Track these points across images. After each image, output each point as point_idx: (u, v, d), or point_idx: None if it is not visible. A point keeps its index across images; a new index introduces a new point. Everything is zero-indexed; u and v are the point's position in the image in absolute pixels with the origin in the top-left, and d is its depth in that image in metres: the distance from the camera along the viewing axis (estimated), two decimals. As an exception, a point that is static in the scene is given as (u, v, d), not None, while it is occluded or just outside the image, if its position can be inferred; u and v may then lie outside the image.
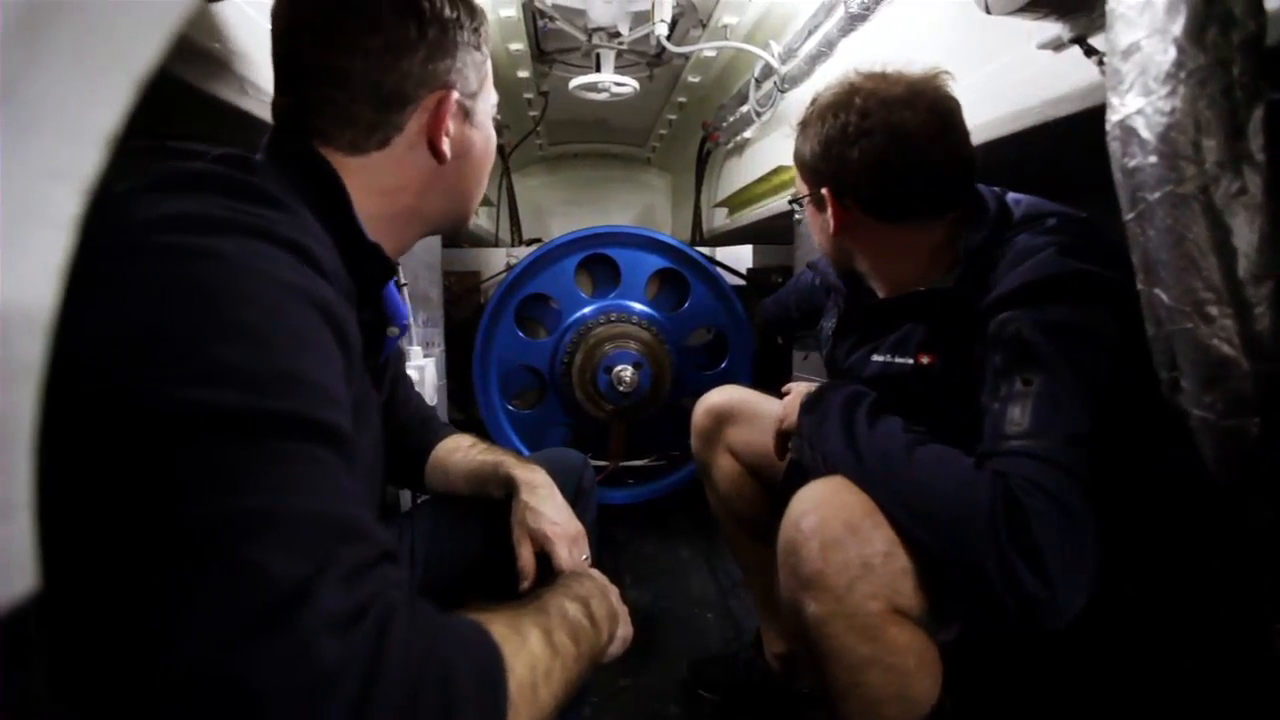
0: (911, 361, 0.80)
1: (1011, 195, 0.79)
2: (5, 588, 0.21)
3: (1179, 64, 0.44)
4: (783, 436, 0.92)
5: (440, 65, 0.57)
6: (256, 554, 0.31)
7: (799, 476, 0.82)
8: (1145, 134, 0.47)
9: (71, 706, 0.26)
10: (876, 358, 0.86)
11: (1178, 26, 0.44)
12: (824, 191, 0.82)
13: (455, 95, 0.58)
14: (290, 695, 0.29)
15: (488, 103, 0.65)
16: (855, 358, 0.91)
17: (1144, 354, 0.57)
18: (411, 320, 1.46)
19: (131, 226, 0.37)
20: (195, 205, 0.40)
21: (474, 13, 0.61)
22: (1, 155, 0.18)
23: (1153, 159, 0.47)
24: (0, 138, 0.17)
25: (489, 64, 0.64)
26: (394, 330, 0.66)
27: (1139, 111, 0.47)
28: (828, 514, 0.67)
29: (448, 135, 0.59)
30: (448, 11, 0.57)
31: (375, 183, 0.57)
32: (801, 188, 0.89)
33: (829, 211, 0.83)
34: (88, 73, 0.19)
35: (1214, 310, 0.47)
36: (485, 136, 0.65)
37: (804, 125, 0.84)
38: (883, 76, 0.78)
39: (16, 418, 0.21)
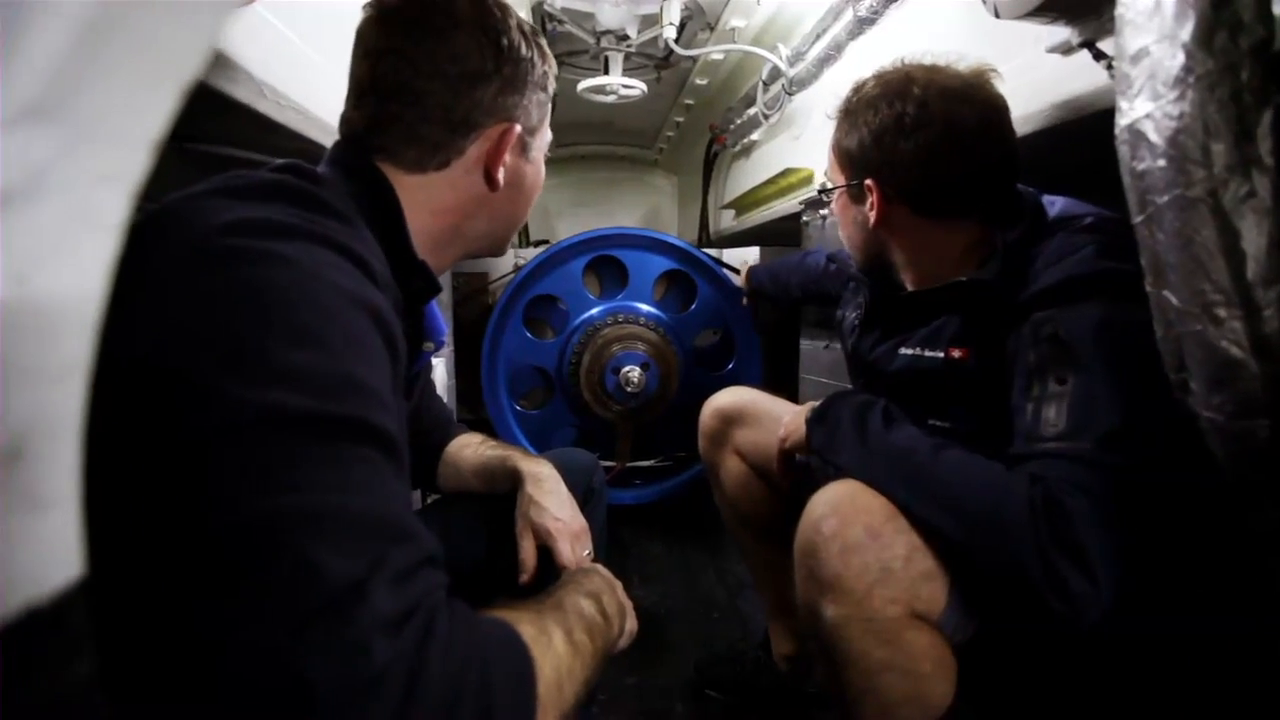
0: (942, 355, 0.79)
1: (1047, 196, 0.78)
2: (51, 576, 0.22)
3: (1187, 69, 0.45)
4: (785, 455, 0.92)
5: (510, 99, 0.60)
6: (314, 551, 0.32)
7: (808, 481, 0.83)
8: (1154, 137, 0.48)
9: (117, 697, 0.27)
10: (905, 350, 0.84)
11: (1186, 32, 0.45)
12: (868, 183, 0.80)
13: (518, 128, 0.61)
14: (342, 692, 0.30)
15: (543, 140, 0.68)
16: (881, 350, 0.89)
17: None
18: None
19: (200, 230, 0.38)
20: (263, 211, 0.41)
21: (546, 57, 0.65)
22: (59, 161, 0.18)
23: (1161, 162, 0.48)
24: (59, 145, 0.18)
25: (549, 105, 0.67)
26: (429, 345, 0.69)
27: (1148, 115, 0.48)
28: (848, 517, 0.67)
29: (504, 165, 0.62)
30: (524, 50, 0.61)
31: (429, 202, 0.59)
32: (837, 178, 0.86)
33: (868, 203, 0.81)
34: (138, 83, 0.20)
35: (1223, 312, 0.48)
36: (536, 171, 0.68)
37: (849, 114, 0.82)
38: (937, 69, 0.76)
39: (64, 413, 0.22)
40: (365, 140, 0.58)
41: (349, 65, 0.60)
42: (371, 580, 0.33)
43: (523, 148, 0.64)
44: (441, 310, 1.56)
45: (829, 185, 0.89)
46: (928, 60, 0.77)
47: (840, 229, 0.91)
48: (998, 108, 0.74)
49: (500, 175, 0.61)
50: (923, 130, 0.74)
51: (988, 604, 0.68)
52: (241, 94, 0.67)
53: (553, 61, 0.66)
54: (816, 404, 0.84)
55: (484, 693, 0.35)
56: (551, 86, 0.66)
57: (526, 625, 0.44)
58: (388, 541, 0.35)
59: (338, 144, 0.60)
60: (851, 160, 0.82)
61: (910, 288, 0.86)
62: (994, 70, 0.76)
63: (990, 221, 0.77)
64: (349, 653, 0.31)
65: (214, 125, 0.77)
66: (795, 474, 0.97)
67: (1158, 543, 0.63)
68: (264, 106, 0.70)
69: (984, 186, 0.76)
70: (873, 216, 0.81)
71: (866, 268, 0.91)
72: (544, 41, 0.65)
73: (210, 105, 0.67)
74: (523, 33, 0.62)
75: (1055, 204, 0.76)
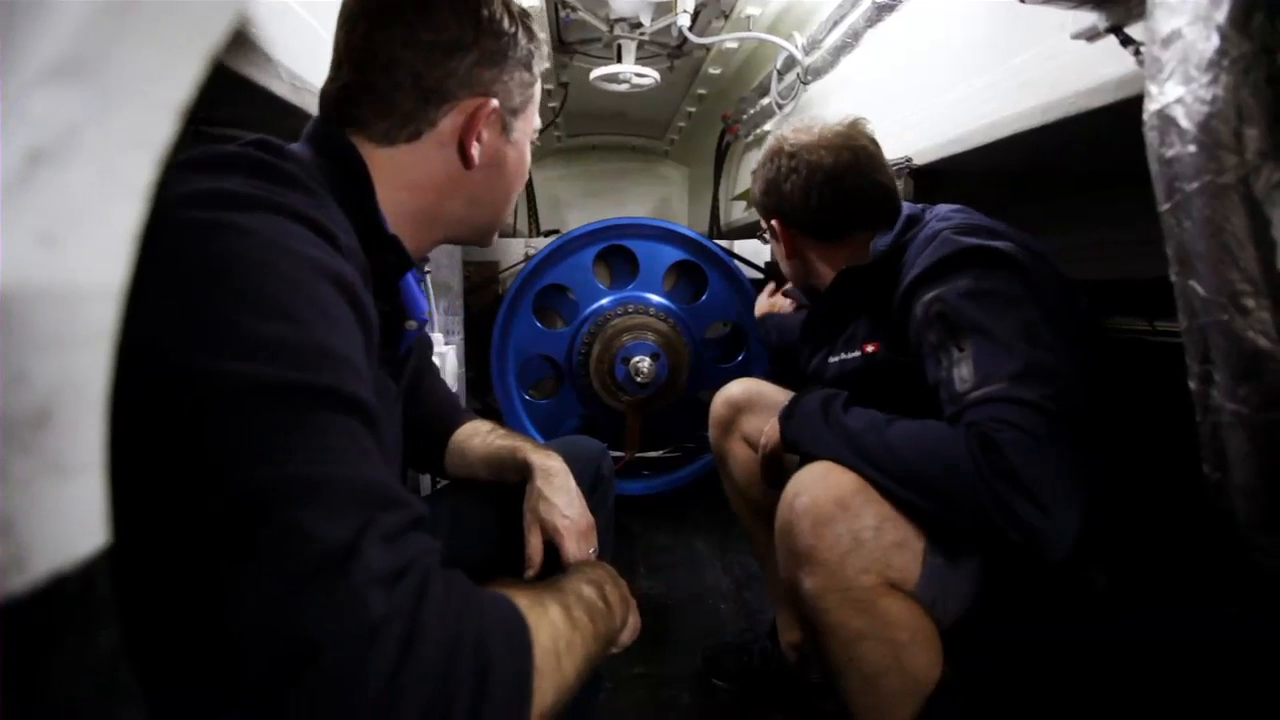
0: (859, 353, 0.92)
1: (931, 208, 0.93)
2: (78, 544, 0.22)
3: (1222, 51, 0.44)
4: (768, 460, 0.98)
5: (487, 73, 0.59)
6: (301, 519, 0.32)
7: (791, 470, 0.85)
8: (1185, 123, 0.47)
9: (139, 661, 0.27)
10: (832, 358, 0.98)
11: (1222, 13, 0.44)
12: (774, 223, 1.00)
13: (495, 103, 0.59)
14: (343, 642, 0.31)
15: (528, 124, 0.66)
16: (816, 362, 1.02)
17: (1052, 308, 0.72)
18: (434, 309, 1.47)
19: (161, 202, 0.38)
20: (222, 183, 0.41)
21: (532, 36, 0.63)
22: (90, 123, 0.18)
23: (1191, 148, 0.47)
24: (90, 106, 0.18)
25: (537, 88, 0.66)
26: (412, 324, 0.66)
27: (1178, 100, 0.47)
28: (819, 494, 0.71)
29: (479, 141, 0.60)
30: (505, 24, 0.59)
31: (400, 176, 0.58)
32: (763, 225, 1.07)
33: (780, 239, 1.00)
34: (166, 45, 0.20)
35: (1251, 302, 0.47)
36: (519, 155, 0.66)
37: (753, 175, 1.04)
38: (807, 129, 0.97)
39: (90, 379, 0.22)
40: (339, 112, 0.58)
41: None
42: (362, 541, 0.33)
43: (503, 127, 0.62)
44: (451, 298, 1.56)
45: (761, 230, 1.10)
46: (804, 124, 0.98)
47: (779, 263, 1.09)
48: (854, 149, 0.93)
49: (475, 153, 0.59)
50: (793, 175, 0.94)
51: (966, 568, 0.72)
52: (258, 76, 0.66)
53: (541, 44, 0.64)
54: (785, 404, 0.92)
55: (480, 649, 0.36)
56: (538, 68, 0.64)
57: (521, 598, 0.45)
58: (373, 506, 0.35)
59: (313, 119, 0.59)
60: (760, 209, 1.04)
61: None
62: (864, 119, 0.97)
63: (871, 234, 0.94)
64: (347, 606, 0.32)
65: (229, 108, 0.77)
66: (780, 478, 0.99)
67: (1105, 485, 0.68)
68: (280, 89, 0.69)
69: (855, 209, 0.94)
70: (784, 248, 1.01)
71: (803, 290, 1.09)
72: (534, 24, 0.63)
73: (226, 87, 0.67)
74: (507, 9, 0.60)
75: (931, 210, 0.92)
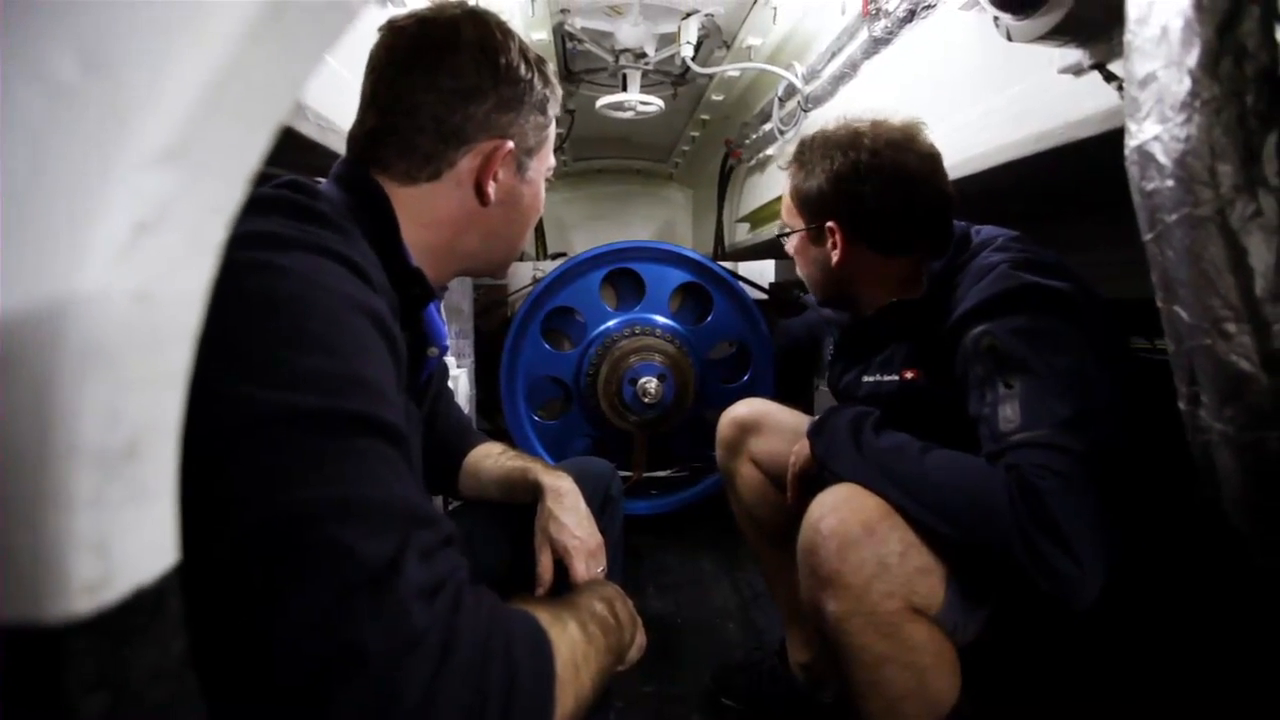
0: (897, 378, 0.88)
1: (976, 227, 0.89)
2: (155, 562, 0.25)
3: (1194, 93, 0.47)
4: (798, 479, 0.95)
5: (504, 117, 0.62)
6: (345, 537, 0.35)
7: (813, 487, 0.85)
8: (1162, 159, 0.50)
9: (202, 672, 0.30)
10: (866, 378, 0.93)
11: (1192, 58, 0.47)
12: (829, 225, 0.89)
13: (510, 145, 0.63)
14: (389, 651, 0.34)
15: (543, 164, 0.69)
16: (848, 380, 0.98)
17: (1102, 349, 0.69)
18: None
19: None
20: (262, 225, 0.44)
21: (547, 81, 0.66)
22: (181, 196, 0.21)
23: (1170, 183, 0.50)
24: (182, 182, 0.21)
25: (551, 130, 0.69)
26: (434, 351, 0.69)
27: (1156, 138, 0.50)
28: (846, 515, 0.71)
29: (495, 181, 0.63)
30: (523, 72, 0.63)
31: (422, 214, 0.61)
32: (795, 222, 0.95)
33: (829, 243, 0.90)
34: (244, 124, 0.23)
35: (1232, 328, 0.49)
36: (534, 193, 0.69)
37: (803, 162, 0.91)
38: (878, 122, 0.88)
39: (169, 414, 0.25)
40: (364, 154, 0.61)
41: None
42: (403, 557, 0.36)
43: (518, 166, 0.65)
44: (463, 321, 1.60)
45: (788, 229, 0.97)
46: (867, 116, 0.88)
47: (800, 269, 0.99)
48: (932, 155, 0.87)
49: (491, 190, 0.63)
50: (875, 175, 0.84)
51: (987, 594, 0.71)
52: (288, 118, 0.70)
53: (556, 88, 0.68)
54: (817, 417, 0.89)
55: (508, 657, 0.39)
56: (553, 111, 0.68)
57: (541, 613, 0.47)
58: (411, 525, 0.38)
59: (340, 160, 0.63)
60: (810, 205, 0.91)
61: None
62: (923, 123, 0.88)
63: (928, 254, 0.88)
64: (392, 617, 0.34)
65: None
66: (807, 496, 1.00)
67: (1135, 527, 0.67)
68: (307, 129, 0.73)
69: (926, 223, 0.87)
70: (835, 255, 0.90)
71: (824, 303, 1.02)
72: (549, 69, 0.67)
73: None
74: (525, 57, 0.63)
75: (980, 232, 0.87)
